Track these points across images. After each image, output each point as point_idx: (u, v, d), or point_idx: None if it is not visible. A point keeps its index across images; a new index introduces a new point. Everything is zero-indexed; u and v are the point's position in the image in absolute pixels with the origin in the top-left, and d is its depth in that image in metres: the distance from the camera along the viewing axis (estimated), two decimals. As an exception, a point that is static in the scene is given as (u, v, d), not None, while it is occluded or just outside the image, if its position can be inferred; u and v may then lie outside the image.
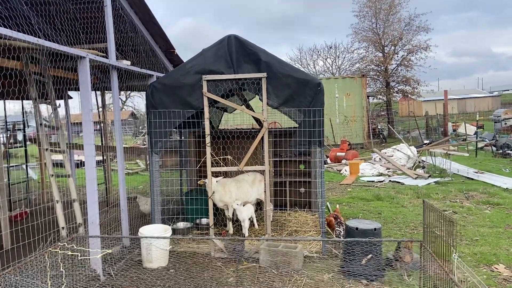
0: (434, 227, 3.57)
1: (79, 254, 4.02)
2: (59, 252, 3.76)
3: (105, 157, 9.16)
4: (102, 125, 9.25)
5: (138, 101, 48.17)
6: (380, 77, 26.85)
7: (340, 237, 5.74)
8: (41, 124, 5.70)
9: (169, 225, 6.09)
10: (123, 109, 45.27)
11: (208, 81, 5.53)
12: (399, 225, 6.98)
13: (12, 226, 6.25)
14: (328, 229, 6.12)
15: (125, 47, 6.47)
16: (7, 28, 3.64)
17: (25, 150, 9.77)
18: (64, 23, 5.24)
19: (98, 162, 6.70)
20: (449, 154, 12.36)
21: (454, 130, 23.09)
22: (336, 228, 5.84)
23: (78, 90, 4.88)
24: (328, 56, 37.27)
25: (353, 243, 4.65)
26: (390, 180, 11.36)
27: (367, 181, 11.50)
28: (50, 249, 3.81)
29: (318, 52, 38.12)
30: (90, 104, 4.86)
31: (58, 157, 10.51)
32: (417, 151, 14.16)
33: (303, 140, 5.48)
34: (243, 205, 6.10)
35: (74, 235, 4.54)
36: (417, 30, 26.10)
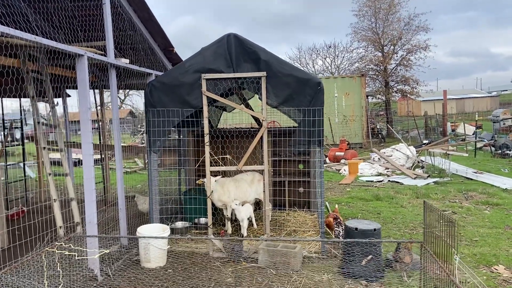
0: (434, 228, 3.55)
1: (76, 254, 3.98)
2: (56, 252, 3.73)
3: (103, 156, 9.12)
4: (100, 123, 9.21)
5: (136, 100, 48.17)
6: (379, 76, 26.84)
7: (339, 237, 5.71)
8: (38, 122, 5.66)
9: (168, 224, 6.05)
10: (122, 108, 45.19)
11: (207, 80, 5.49)
12: (398, 225, 6.96)
13: (9, 225, 6.20)
14: (327, 229, 6.09)
15: (123, 45, 6.42)
16: (5, 25, 3.60)
17: (23, 149, 9.72)
18: (62, 21, 5.20)
19: (96, 161, 6.67)
20: (448, 154, 12.35)
21: (453, 130, 23.10)
22: (336, 228, 5.81)
23: (76, 88, 4.84)
24: (327, 56, 37.24)
25: (353, 244, 4.62)
26: (389, 180, 11.34)
27: (366, 181, 11.49)
28: (47, 248, 3.78)
29: (317, 51, 38.04)
30: (88, 103, 4.82)
31: (56, 155, 10.48)
32: (416, 151, 14.15)
33: (302, 139, 5.45)
34: (242, 205, 6.07)
35: (71, 235, 4.50)
36: (417, 29, 26.13)
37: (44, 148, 5.55)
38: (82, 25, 5.66)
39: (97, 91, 9.04)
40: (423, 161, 13.39)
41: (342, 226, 5.79)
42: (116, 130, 5.93)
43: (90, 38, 5.81)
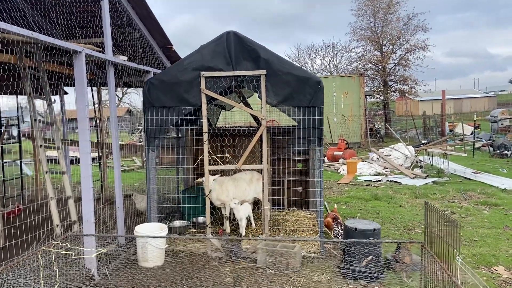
0: (435, 229, 3.52)
1: (73, 253, 3.93)
2: (53, 251, 3.67)
3: (100, 154, 9.06)
4: (98, 121, 9.14)
5: (134, 98, 47.92)
6: (378, 76, 26.81)
7: (338, 237, 5.68)
8: (35, 120, 5.60)
9: (166, 223, 6.01)
10: (120, 106, 45.02)
11: (206, 78, 5.44)
12: (397, 225, 6.93)
13: (5, 224, 6.14)
14: (326, 229, 6.05)
15: (122, 42, 6.36)
16: (1, 20, 3.53)
17: (20, 146, 9.65)
18: (60, 17, 5.13)
19: (93, 159, 6.60)
20: (447, 154, 12.34)
21: (451, 130, 23.10)
22: (335, 228, 5.78)
23: (74, 85, 4.78)
24: (326, 55, 37.21)
25: (352, 244, 4.58)
26: (387, 180, 11.32)
27: (365, 180, 11.46)
28: (43, 248, 3.72)
29: (316, 50, 38.02)
30: (85, 100, 4.76)
31: (53, 153, 10.41)
32: (415, 151, 14.13)
33: (302, 138, 5.41)
34: (241, 204, 6.03)
35: (68, 234, 4.45)
36: (415, 29, 26.09)
37: (41, 145, 5.49)
38: (80, 21, 5.60)
39: (94, 88, 8.96)
40: (422, 161, 13.37)
41: (341, 226, 5.75)
42: (114, 128, 5.88)
43: (88, 34, 5.75)
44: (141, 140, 23.65)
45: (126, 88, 39.98)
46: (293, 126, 7.19)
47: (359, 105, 20.61)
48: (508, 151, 14.97)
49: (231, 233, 6.24)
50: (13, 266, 3.56)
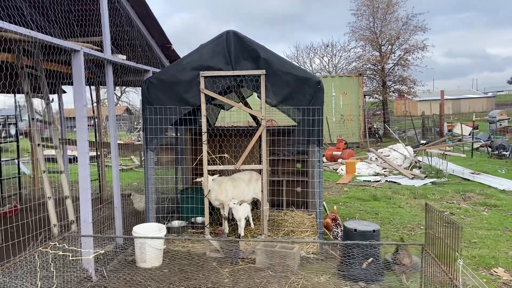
0: (436, 231, 3.49)
1: (70, 255, 3.89)
2: (50, 252, 3.64)
3: (99, 153, 9.01)
4: (96, 120, 9.09)
5: (133, 97, 47.82)
6: (377, 76, 26.81)
7: (337, 238, 5.65)
8: (33, 119, 5.55)
9: (164, 223, 5.97)
10: (118, 104, 44.90)
11: (205, 77, 5.41)
12: (396, 226, 6.91)
13: (2, 223, 6.09)
14: (325, 230, 6.03)
15: (120, 41, 6.32)
16: (-2, 18, 3.49)
17: (17, 146, 9.59)
18: (58, 15, 5.09)
19: (91, 158, 6.56)
20: (446, 154, 12.32)
21: (449, 130, 23.11)
22: (334, 229, 5.75)
23: (72, 84, 4.74)
24: (325, 55, 37.20)
25: (352, 245, 4.56)
26: (386, 180, 11.31)
27: (364, 180, 11.45)
28: (40, 248, 3.68)
29: (315, 50, 37.99)
30: (84, 99, 4.73)
31: (51, 152, 10.35)
32: (414, 151, 14.13)
33: (301, 139, 5.38)
34: (239, 204, 6.00)
35: (65, 234, 4.41)
36: (414, 29, 26.10)
37: (39, 145, 5.45)
38: (79, 20, 5.55)
39: (93, 87, 8.91)
40: (421, 161, 13.37)
41: (340, 227, 5.73)
42: (113, 127, 5.84)
43: (87, 33, 5.70)
44: (139, 139, 23.59)
45: (124, 87, 39.87)
46: (292, 126, 7.17)
47: (358, 105, 20.60)
48: (506, 151, 14.98)
49: (229, 233, 6.21)
50: (9, 268, 3.52)
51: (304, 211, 7.17)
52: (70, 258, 3.90)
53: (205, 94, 5.43)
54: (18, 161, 9.56)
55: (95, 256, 4.65)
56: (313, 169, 6.14)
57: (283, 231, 6.24)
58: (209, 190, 5.75)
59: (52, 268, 3.70)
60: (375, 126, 24.77)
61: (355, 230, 4.79)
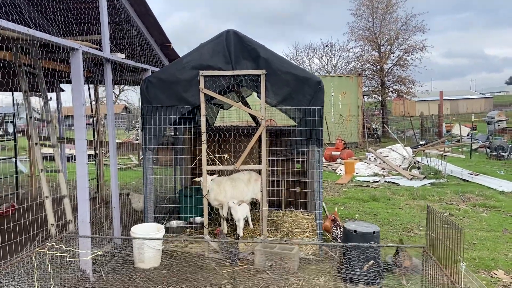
0: (437, 233, 3.47)
1: (68, 255, 3.85)
2: (47, 252, 3.59)
3: (97, 152, 8.96)
4: (94, 119, 9.04)
5: (131, 95, 47.68)
6: (376, 76, 26.81)
7: (337, 239, 5.62)
8: (31, 117, 5.51)
9: (162, 223, 5.94)
10: (116, 103, 44.80)
11: (205, 77, 5.37)
12: (396, 227, 6.89)
13: (-1, 222, 6.04)
14: (325, 232, 5.99)
15: (119, 39, 6.27)
16: (-5, 16, 3.45)
17: (15, 145, 9.53)
18: (57, 13, 5.04)
19: (89, 157, 6.51)
20: (445, 155, 12.32)
21: (448, 131, 23.13)
22: (334, 230, 5.72)
23: (71, 83, 4.70)
24: (324, 54, 37.19)
25: (352, 247, 4.53)
26: (385, 181, 11.29)
27: (362, 181, 11.43)
28: (37, 249, 3.64)
29: (314, 50, 37.99)
30: (82, 98, 4.68)
31: (49, 150, 10.29)
32: (413, 152, 14.12)
33: (301, 139, 5.35)
34: (238, 205, 5.97)
35: (63, 235, 4.37)
36: (414, 30, 26.10)
37: (36, 143, 5.41)
38: (77, 18, 5.51)
39: (91, 86, 8.86)
40: (419, 162, 13.36)
41: (340, 228, 5.70)
42: (111, 126, 5.80)
43: (85, 31, 5.66)
44: (137, 138, 23.52)
45: (123, 86, 39.77)
46: (292, 126, 7.14)
47: (357, 105, 20.58)
48: (505, 152, 14.99)
49: (228, 234, 6.17)
50: (6, 269, 3.48)
51: (303, 212, 7.14)
52: (68, 259, 3.86)
53: (205, 94, 5.39)
54: (16, 160, 9.50)
55: (93, 256, 4.61)
56: (313, 170, 6.11)
57: (282, 231, 6.21)
58: (208, 190, 5.71)
59: (49, 269, 3.66)
60: (373, 126, 24.76)
61: (355, 231, 4.77)
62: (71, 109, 4.80)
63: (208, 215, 5.69)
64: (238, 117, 10.05)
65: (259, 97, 5.39)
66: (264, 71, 5.26)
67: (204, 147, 5.50)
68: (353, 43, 31.60)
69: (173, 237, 6.05)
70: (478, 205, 8.17)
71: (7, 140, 10.86)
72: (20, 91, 5.59)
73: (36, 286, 3.51)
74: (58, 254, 3.73)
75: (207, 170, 5.61)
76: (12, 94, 9.48)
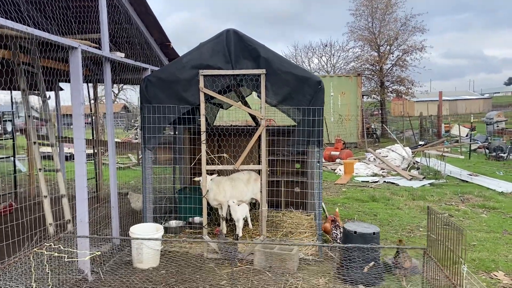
0: (438, 235, 3.45)
1: (66, 256, 3.82)
2: (45, 253, 3.56)
3: (96, 151, 8.93)
4: (93, 118, 9.01)
5: (131, 94, 47.64)
6: (375, 76, 26.81)
7: (337, 240, 5.60)
8: (29, 116, 5.48)
9: (161, 223, 5.91)
10: (116, 102, 44.73)
11: (205, 76, 5.34)
12: (395, 227, 6.88)
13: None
14: (324, 232, 5.97)
15: (119, 38, 6.24)
16: (-6, 14, 3.42)
17: (13, 144, 9.49)
18: (56, 12, 5.00)
19: (88, 156, 6.48)
20: (444, 156, 12.31)
21: (446, 131, 23.14)
22: (333, 231, 5.70)
23: (70, 81, 4.66)
24: (323, 54, 37.19)
25: (351, 247, 4.51)
26: (384, 181, 11.28)
27: (362, 181, 11.42)
28: (35, 249, 3.61)
29: (313, 50, 38.00)
30: (81, 97, 4.65)
31: (48, 149, 10.26)
32: (412, 152, 14.11)
33: (301, 139, 5.32)
34: (238, 205, 5.95)
35: (61, 235, 4.34)
36: (413, 30, 26.10)
37: (35, 142, 5.38)
38: (76, 16, 5.47)
39: (90, 85, 8.82)
40: (419, 162, 13.35)
41: (339, 228, 5.68)
42: (110, 125, 5.76)
43: (84, 30, 5.62)
44: (137, 137, 23.47)
45: (122, 84, 39.72)
46: (292, 126, 7.12)
47: (356, 105, 20.57)
48: (504, 153, 15.00)
49: (227, 234, 6.15)
50: (3, 269, 3.45)
51: (303, 212, 7.12)
52: (66, 260, 3.83)
53: (205, 93, 5.36)
54: (14, 159, 9.46)
55: (91, 256, 4.58)
56: (312, 170, 6.10)
57: (281, 232, 6.19)
58: (207, 190, 5.68)
59: (47, 269, 3.63)
60: (373, 127, 24.76)
61: (355, 232, 4.75)
62: (70, 108, 4.77)
63: (207, 215, 5.66)
64: (238, 116, 10.03)
65: (259, 96, 5.36)
66: (264, 70, 5.23)
67: (203, 147, 5.48)
68: (353, 43, 31.67)
69: (172, 237, 6.03)
70: (478, 206, 8.17)
71: (5, 139, 10.81)
72: (18, 89, 5.57)
73: (34, 286, 3.49)
74: (56, 254, 3.69)
75: (207, 170, 5.58)
76: (11, 92, 9.44)
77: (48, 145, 6.24)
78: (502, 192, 9.37)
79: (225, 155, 6.92)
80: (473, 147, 17.17)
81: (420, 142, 18.84)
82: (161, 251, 5.22)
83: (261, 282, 4.55)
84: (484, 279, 4.67)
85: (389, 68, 26.74)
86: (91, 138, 8.83)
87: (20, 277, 3.57)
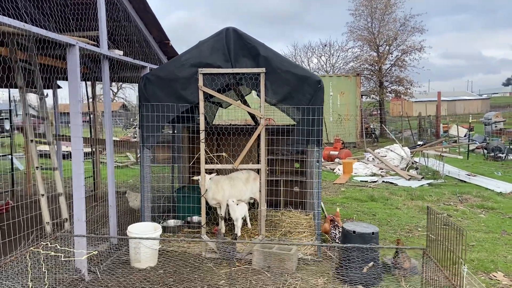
0: (438, 235, 3.42)
1: (62, 255, 3.79)
2: (42, 252, 3.53)
3: (93, 150, 8.88)
4: (91, 116, 8.96)
5: (129, 93, 47.49)
6: (374, 76, 26.80)
7: (336, 240, 5.58)
8: (26, 114, 5.43)
9: (159, 222, 5.88)
10: (114, 101, 44.63)
11: (204, 74, 5.30)
12: (394, 227, 6.86)
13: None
14: (323, 233, 5.95)
15: (117, 36, 6.20)
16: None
17: (11, 141, 9.44)
18: (54, 8, 4.96)
19: (86, 155, 6.45)
20: (442, 156, 12.31)
21: (445, 132, 23.15)
22: (332, 231, 5.67)
23: (67, 79, 4.62)
24: (323, 54, 37.17)
25: (351, 247, 4.49)
26: (383, 181, 11.27)
27: (361, 181, 11.40)
28: (31, 248, 3.58)
29: (313, 49, 38.02)
30: (79, 95, 4.61)
31: (46, 148, 10.21)
32: (411, 152, 14.11)
33: (301, 138, 5.30)
34: (237, 204, 5.92)
35: (57, 234, 4.30)
36: (412, 30, 26.09)
37: (32, 140, 5.33)
38: (74, 13, 5.43)
39: (89, 83, 8.77)
40: (417, 162, 13.35)
41: (338, 228, 5.65)
42: (108, 124, 5.73)
43: (83, 27, 5.58)
44: (135, 136, 23.40)
45: (121, 83, 39.60)
46: (291, 125, 7.09)
47: (355, 105, 20.56)
48: (502, 154, 15.01)
49: (226, 233, 6.12)
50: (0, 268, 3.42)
51: (302, 212, 7.10)
52: (63, 259, 3.79)
53: (204, 92, 5.33)
54: (12, 157, 9.40)
55: (88, 256, 4.55)
56: (312, 169, 6.07)
57: (280, 231, 6.16)
58: (206, 189, 5.65)
59: (43, 268, 3.59)
60: (371, 126, 24.76)
61: (354, 232, 4.73)
62: (68, 106, 4.73)
63: (206, 214, 5.63)
64: (237, 115, 9.99)
65: (258, 95, 5.33)
66: (263, 69, 5.20)
67: (202, 146, 5.44)
68: (352, 43, 31.64)
69: (170, 236, 6.00)
70: (476, 206, 8.16)
71: (1, 137, 10.75)
72: (16, 87, 5.52)
73: (30, 286, 3.45)
74: (52, 253, 3.66)
75: (206, 169, 5.55)
76: (9, 90, 9.38)
77: (45, 143, 6.19)
78: (500, 192, 9.36)
79: (224, 154, 6.88)
80: (472, 147, 17.18)
81: (419, 142, 18.84)
82: (159, 251, 5.19)
83: (260, 282, 4.53)
84: (483, 280, 4.65)
85: (388, 68, 26.73)
86: (89, 136, 8.78)
87: (17, 276, 3.53)
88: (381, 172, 12.59)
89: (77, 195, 4.66)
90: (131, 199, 7.17)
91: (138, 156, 12.91)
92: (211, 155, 6.79)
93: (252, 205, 7.00)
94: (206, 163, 5.56)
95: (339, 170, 13.03)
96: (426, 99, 41.27)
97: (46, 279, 3.64)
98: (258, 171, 5.92)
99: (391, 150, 13.93)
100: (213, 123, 8.47)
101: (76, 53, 4.51)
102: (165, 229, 6.04)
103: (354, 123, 20.53)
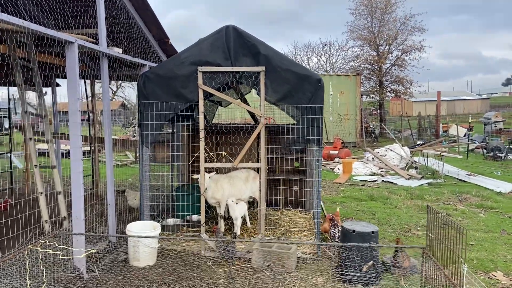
0: (438, 234, 3.41)
1: (61, 253, 3.77)
2: (40, 250, 3.51)
3: (93, 148, 8.86)
4: (91, 115, 8.94)
5: (129, 92, 47.46)
6: (374, 76, 26.79)
7: (335, 239, 5.57)
8: (25, 112, 5.41)
9: (158, 221, 5.86)
10: (114, 99, 44.58)
11: (204, 73, 5.28)
12: (394, 227, 6.85)
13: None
14: (323, 233, 5.93)
15: (116, 34, 6.17)
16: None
17: (10, 140, 9.42)
18: (53, 6, 4.93)
19: (85, 153, 6.43)
20: (442, 155, 12.31)
21: (444, 131, 23.16)
22: (332, 230, 5.66)
23: (66, 77, 4.60)
24: (323, 53, 37.15)
25: (350, 246, 4.48)
26: (383, 180, 11.26)
27: (360, 180, 11.39)
28: (30, 246, 3.56)
29: (313, 49, 38.04)
30: (77, 93, 4.59)
31: (45, 146, 10.18)
32: (410, 152, 14.10)
33: (301, 137, 5.28)
34: (236, 203, 5.90)
35: (56, 232, 4.28)
36: (412, 30, 26.07)
37: (31, 139, 5.31)
38: (73, 11, 5.40)
39: (88, 81, 8.75)
40: (417, 162, 13.34)
41: (338, 227, 5.64)
42: (107, 122, 5.71)
43: (82, 25, 5.56)
44: (134, 134, 23.38)
45: (120, 82, 39.58)
46: (291, 124, 7.07)
47: (355, 105, 20.55)
48: (502, 153, 15.01)
49: (225, 232, 6.11)
50: (-3, 266, 3.40)
51: (301, 211, 7.08)
52: (61, 257, 3.78)
53: (203, 90, 5.31)
54: (10, 155, 9.38)
55: (87, 254, 4.53)
56: (311, 168, 6.06)
57: (280, 230, 6.15)
58: (206, 188, 5.64)
59: (42, 266, 3.57)
60: (371, 126, 24.75)
61: (354, 231, 4.71)
62: (67, 104, 4.71)
63: (205, 213, 5.61)
64: (237, 114, 9.98)
65: (258, 94, 5.31)
66: (263, 68, 5.18)
67: (202, 145, 5.43)
68: (352, 43, 31.61)
69: (169, 235, 5.98)
70: (476, 206, 8.15)
71: (0, 136, 10.74)
72: (15, 85, 5.50)
73: (29, 284, 3.43)
74: (51, 251, 3.64)
75: (205, 168, 5.53)
76: (8, 88, 9.36)
77: (44, 141, 6.17)
78: (500, 192, 9.36)
79: (223, 153, 6.86)
80: (471, 147, 17.18)
81: (418, 142, 18.84)
82: (158, 249, 5.17)
83: (259, 281, 4.51)
84: (483, 279, 4.64)
85: (388, 67, 26.72)
86: (88, 135, 8.76)
87: (15, 274, 3.52)
88: (381, 171, 12.58)
89: (75, 193, 4.64)
90: (130, 197, 7.15)
91: (137, 154, 12.89)
92: (210, 153, 6.77)
93: (252, 204, 6.99)
94: (205, 161, 5.54)
95: (338, 169, 13.02)
96: (425, 98, 41.28)
97: (44, 277, 3.62)
98: (257, 170, 5.90)
99: (391, 150, 13.92)
100: (213, 121, 8.45)
101: (75, 51, 4.49)
102: (164, 227, 6.02)
103: (354, 123, 20.51)
